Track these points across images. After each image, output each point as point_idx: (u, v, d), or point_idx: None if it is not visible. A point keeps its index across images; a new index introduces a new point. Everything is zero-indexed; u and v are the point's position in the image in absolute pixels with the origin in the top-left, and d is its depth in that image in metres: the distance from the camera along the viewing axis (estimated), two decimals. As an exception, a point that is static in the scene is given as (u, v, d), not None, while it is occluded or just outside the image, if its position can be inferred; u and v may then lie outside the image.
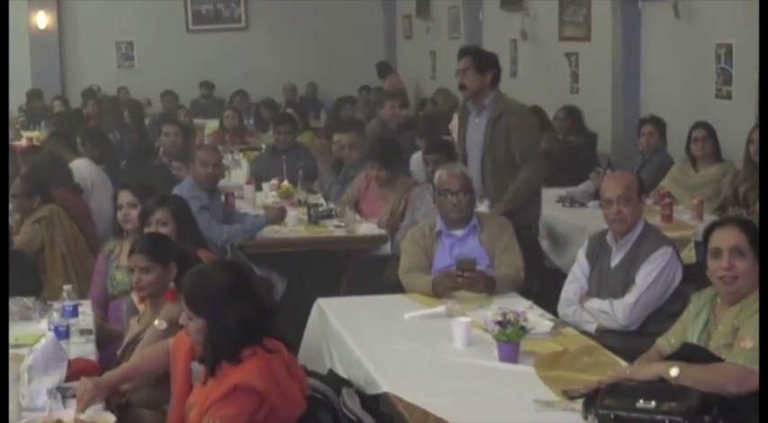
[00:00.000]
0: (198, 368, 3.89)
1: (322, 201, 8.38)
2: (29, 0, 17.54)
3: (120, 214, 5.94)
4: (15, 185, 6.97)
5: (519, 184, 6.71)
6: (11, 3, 17.30)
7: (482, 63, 6.82)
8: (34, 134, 13.79)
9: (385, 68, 16.48)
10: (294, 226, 7.57)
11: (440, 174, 5.89)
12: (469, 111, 7.01)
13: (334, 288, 6.81)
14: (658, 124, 8.66)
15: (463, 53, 6.95)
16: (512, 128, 6.72)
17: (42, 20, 17.70)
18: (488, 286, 5.38)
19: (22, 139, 13.65)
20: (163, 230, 5.43)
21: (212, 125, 13.55)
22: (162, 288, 4.67)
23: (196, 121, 13.93)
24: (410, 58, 16.92)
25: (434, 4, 16.40)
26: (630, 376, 3.83)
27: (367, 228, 7.53)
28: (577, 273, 5.36)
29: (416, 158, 8.87)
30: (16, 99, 16.21)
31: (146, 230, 5.51)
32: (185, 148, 9.44)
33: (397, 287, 5.76)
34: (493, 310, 4.85)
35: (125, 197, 5.93)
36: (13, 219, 7.02)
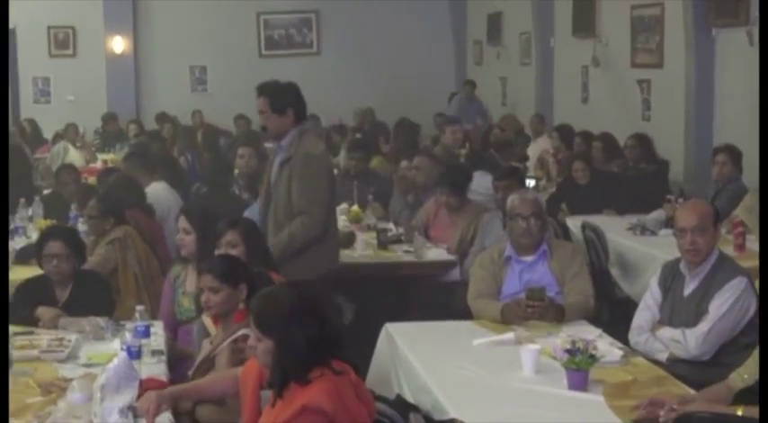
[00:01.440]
0: (267, 395, 3.92)
1: (391, 226, 8.39)
2: (106, 25, 17.85)
3: (177, 238, 6.00)
4: (91, 207, 7.07)
5: (281, 237, 6.19)
6: (91, 28, 17.73)
7: (280, 102, 6.28)
8: (109, 156, 14.01)
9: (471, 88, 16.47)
10: (363, 250, 7.58)
11: (511, 199, 5.87)
12: (275, 151, 6.53)
13: (402, 313, 6.79)
14: (732, 153, 8.55)
15: (259, 92, 6.39)
16: (293, 174, 6.20)
17: (119, 45, 18.00)
18: (558, 316, 5.35)
19: (98, 161, 13.88)
20: (232, 252, 5.47)
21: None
22: (230, 309, 4.71)
23: (267, 145, 14.03)
24: (480, 84, 16.91)
25: (506, 31, 16.40)
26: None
27: (436, 253, 7.53)
28: (649, 301, 5.30)
29: (481, 182, 8.83)
30: (92, 122, 16.51)
31: (216, 252, 5.56)
32: (258, 172, 9.51)
33: (465, 313, 5.74)
34: (562, 337, 4.82)
35: (181, 223, 5.97)
36: (87, 239, 7.14)
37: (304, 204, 6.17)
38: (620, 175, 9.70)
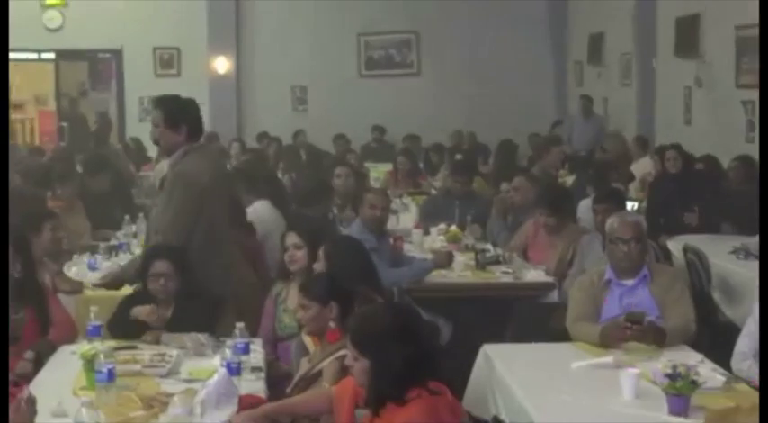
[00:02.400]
0: (362, 414, 3.93)
1: (490, 246, 8.37)
2: (209, 46, 18.15)
3: (286, 256, 6.05)
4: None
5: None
6: (195, 48, 18.05)
7: (174, 117, 6.14)
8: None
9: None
10: (461, 271, 7.58)
11: (611, 221, 5.82)
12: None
13: (500, 334, 6.75)
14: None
15: (154, 105, 6.27)
16: (164, 192, 6.12)
17: (222, 65, 18.28)
18: (658, 339, 5.28)
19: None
20: (318, 267, 5.56)
21: (381, 169, 13.70)
22: (320, 326, 4.76)
23: (366, 164, 14.11)
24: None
25: (607, 51, 16.28)
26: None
27: (534, 275, 7.49)
28: (752, 326, 5.20)
29: (584, 205, 8.79)
30: (195, 141, 16.72)
31: (314, 267, 5.66)
32: (356, 191, 9.58)
33: (564, 335, 5.70)
34: (662, 362, 4.75)
35: (291, 239, 6.04)
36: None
37: (162, 225, 6.06)
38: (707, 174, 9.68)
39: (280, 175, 11.98)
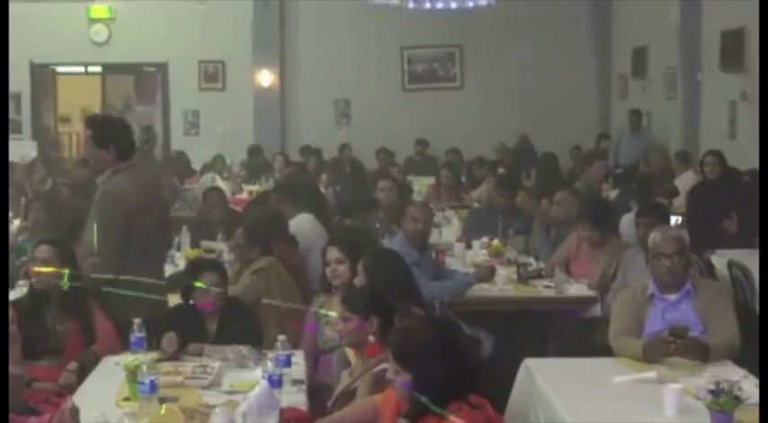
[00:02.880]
0: (405, 423, 3.94)
1: (532, 260, 8.35)
2: (254, 59, 18.26)
3: (328, 270, 6.07)
4: (238, 235, 7.24)
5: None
6: (239, 62, 18.17)
7: (102, 136, 6.03)
8: (255, 188, 14.29)
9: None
10: (503, 285, 7.56)
11: (654, 236, 5.78)
12: None
13: (542, 348, 6.75)
14: None
15: (85, 124, 6.16)
16: (93, 212, 6.02)
17: (266, 78, 18.38)
18: (702, 355, 5.23)
19: (244, 192, 14.18)
20: (357, 281, 5.56)
21: (424, 183, 13.71)
22: (360, 340, 4.76)
23: (409, 177, 14.13)
24: (625, 118, 16.72)
25: (651, 64, 16.19)
26: None
27: (577, 289, 7.46)
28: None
29: (626, 219, 8.74)
30: (239, 154, 16.87)
31: (354, 281, 5.67)
32: (399, 205, 9.59)
33: (606, 350, 5.67)
34: (706, 377, 4.71)
35: (333, 253, 6.05)
36: (232, 268, 7.30)
37: (96, 246, 5.95)
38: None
39: (323, 189, 12.03)
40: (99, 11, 18.42)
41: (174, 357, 5.42)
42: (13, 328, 4.95)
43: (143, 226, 6.11)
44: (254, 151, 16.75)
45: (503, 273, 7.70)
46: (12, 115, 18.58)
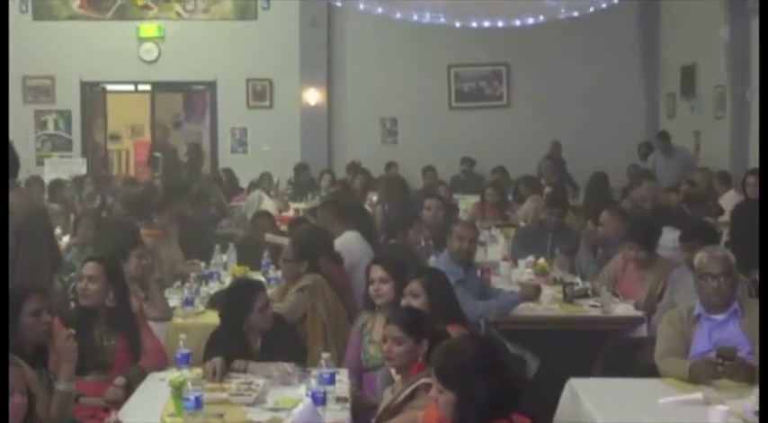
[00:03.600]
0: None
1: (578, 280, 8.31)
2: (301, 78, 18.37)
3: (371, 289, 6.06)
4: (286, 251, 7.27)
5: None
6: (287, 80, 18.28)
7: None
8: (301, 205, 14.35)
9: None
10: (549, 304, 7.53)
11: (700, 256, 5.73)
12: None
13: (587, 368, 6.69)
14: None
15: None
16: None
17: (313, 97, 18.47)
18: (749, 376, 5.18)
19: (290, 209, 14.24)
20: (415, 303, 5.53)
21: (470, 201, 13.70)
22: (411, 361, 4.74)
23: (456, 196, 14.12)
24: (673, 137, 16.63)
25: (700, 83, 16.09)
26: None
27: (623, 308, 7.41)
28: None
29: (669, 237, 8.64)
30: (286, 172, 16.96)
31: (402, 302, 5.63)
32: (445, 223, 9.58)
33: (652, 370, 5.63)
34: (752, 399, 4.67)
35: (376, 272, 6.04)
36: (278, 285, 7.32)
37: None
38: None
39: (370, 207, 12.05)
40: (149, 30, 18.61)
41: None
42: (69, 344, 5.00)
43: (28, 246, 6.04)
44: (301, 169, 16.84)
45: (548, 292, 7.66)
46: (62, 133, 18.82)
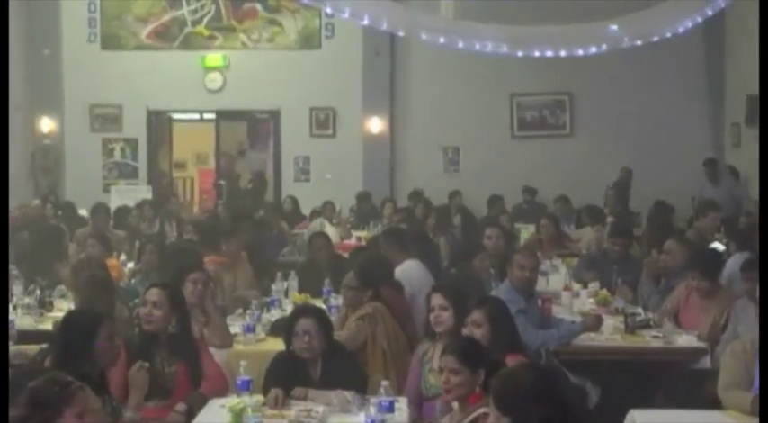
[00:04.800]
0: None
1: (640, 310, 8.24)
2: (364, 107, 18.47)
3: (431, 316, 6.07)
4: (349, 278, 7.30)
5: None
6: (350, 109, 18.40)
7: None
8: (363, 234, 14.39)
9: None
10: (611, 334, 7.47)
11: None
12: None
13: (649, 399, 6.64)
14: None
15: None
16: None
17: (376, 125, 18.55)
18: (814, 409, 5.10)
19: (352, 238, 14.29)
20: (477, 332, 5.52)
21: (531, 230, 13.65)
22: (468, 391, 4.73)
23: (517, 225, 14.08)
24: (738, 166, 16.45)
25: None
26: None
27: (686, 340, 7.33)
28: None
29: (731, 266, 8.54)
30: (348, 200, 17.04)
31: (463, 332, 5.62)
32: (506, 252, 9.56)
33: (714, 403, 5.57)
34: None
35: (437, 299, 6.05)
36: (339, 312, 7.35)
37: None
38: None
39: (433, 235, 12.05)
40: (214, 59, 18.84)
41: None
42: (142, 374, 5.07)
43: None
44: (363, 197, 16.90)
45: (610, 322, 7.61)
46: (129, 161, 19.08)
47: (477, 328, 5.59)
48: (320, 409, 5.28)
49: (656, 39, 13.57)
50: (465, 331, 5.66)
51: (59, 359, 4.99)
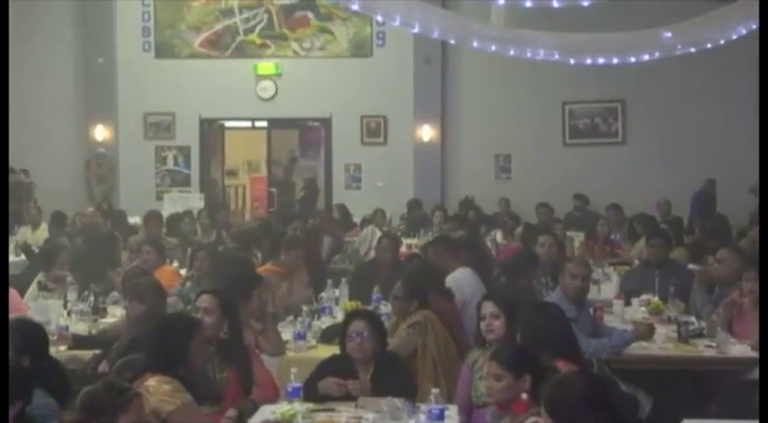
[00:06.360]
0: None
1: (693, 319, 8.16)
2: (415, 114, 18.50)
3: (482, 324, 6.06)
4: (396, 288, 7.31)
5: None
6: (401, 117, 18.42)
7: None
8: (414, 241, 14.38)
9: None
10: (663, 343, 7.41)
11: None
12: None
13: (702, 409, 6.58)
14: None
15: None
16: None
17: (427, 133, 18.58)
18: None
19: (403, 245, 14.28)
20: (496, 323, 5.57)
21: (583, 238, 13.57)
22: (511, 397, 4.73)
23: (569, 233, 14.01)
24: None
25: (822, 120, 15.71)
26: None
27: (740, 349, 7.25)
28: None
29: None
30: (399, 208, 17.06)
31: (481, 325, 5.66)
32: (558, 260, 9.51)
33: (769, 413, 5.49)
34: None
35: (488, 308, 6.04)
36: (389, 321, 7.36)
37: None
38: None
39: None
40: (266, 67, 18.97)
41: (328, 408, 5.49)
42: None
43: None
44: (414, 205, 16.90)
45: (662, 331, 7.54)
46: (181, 168, 19.24)
47: (495, 319, 5.73)
48: (370, 416, 5.28)
49: (709, 46, 13.45)
50: (483, 325, 5.78)
51: (155, 362, 5.11)
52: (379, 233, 14.16)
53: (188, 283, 9.32)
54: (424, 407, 5.20)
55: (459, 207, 16.73)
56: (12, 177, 16.10)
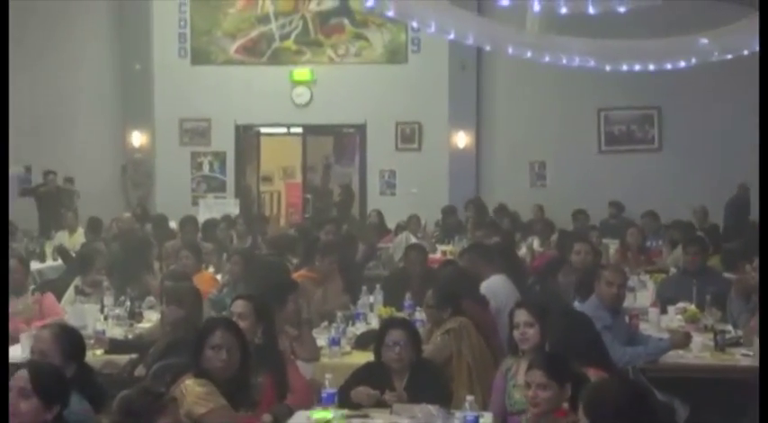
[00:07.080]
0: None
1: (730, 328, 8.10)
2: (450, 121, 18.50)
3: (516, 333, 6.03)
4: (429, 296, 7.30)
5: None
6: (436, 123, 18.43)
7: None
8: (448, 248, 14.36)
9: None
10: (699, 352, 7.36)
11: None
12: None
13: (739, 419, 6.54)
14: None
15: None
16: None
17: (462, 139, 18.58)
18: None
19: (437, 252, 14.27)
20: (530, 331, 5.57)
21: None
22: (555, 406, 4.70)
23: (604, 240, 13.94)
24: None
25: None
26: None
27: (777, 358, 7.20)
28: None
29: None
30: (433, 214, 17.04)
31: (514, 334, 5.65)
32: (594, 268, 9.46)
33: (807, 423, 5.45)
34: None
35: (521, 316, 6.01)
36: (424, 328, 7.36)
37: None
38: None
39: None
40: (301, 74, 19.03)
41: (362, 414, 5.49)
42: None
43: None
44: (449, 212, 16.87)
45: (699, 340, 7.49)
46: (217, 174, 19.33)
47: (529, 327, 5.71)
48: (405, 422, 5.28)
49: (746, 52, 13.37)
50: (517, 333, 5.76)
51: (193, 365, 5.20)
52: (413, 239, 14.16)
53: (225, 289, 9.35)
54: (459, 414, 5.20)
55: (493, 214, 16.69)
56: (57, 183, 16.25)
